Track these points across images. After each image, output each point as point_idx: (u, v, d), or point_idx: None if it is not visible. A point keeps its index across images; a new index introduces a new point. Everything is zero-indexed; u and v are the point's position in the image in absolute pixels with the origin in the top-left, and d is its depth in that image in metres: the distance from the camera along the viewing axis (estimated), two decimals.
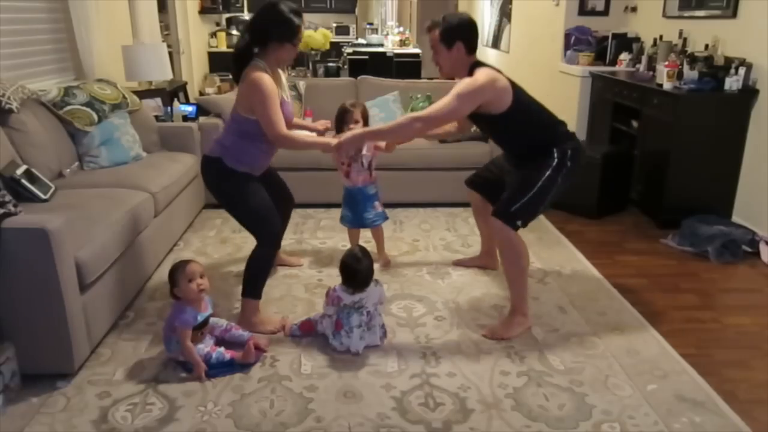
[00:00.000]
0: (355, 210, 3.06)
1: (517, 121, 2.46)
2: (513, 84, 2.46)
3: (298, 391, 2.14)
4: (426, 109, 2.43)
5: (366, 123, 2.96)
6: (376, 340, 2.42)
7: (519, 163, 2.59)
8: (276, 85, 2.45)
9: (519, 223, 2.44)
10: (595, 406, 2.07)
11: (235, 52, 2.52)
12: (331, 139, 2.56)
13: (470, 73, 2.43)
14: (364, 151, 2.94)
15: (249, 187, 2.51)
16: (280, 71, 2.57)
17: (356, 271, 2.37)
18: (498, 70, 2.48)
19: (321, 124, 2.89)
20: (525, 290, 2.57)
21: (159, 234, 3.10)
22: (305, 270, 3.16)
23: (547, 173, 2.44)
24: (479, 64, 2.49)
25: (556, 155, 2.45)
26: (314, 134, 2.73)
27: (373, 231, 3.16)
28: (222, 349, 2.29)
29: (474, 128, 2.92)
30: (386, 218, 3.14)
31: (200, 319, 2.25)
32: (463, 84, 2.39)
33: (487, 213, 2.63)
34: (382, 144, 2.96)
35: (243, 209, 2.52)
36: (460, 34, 2.46)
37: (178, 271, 2.25)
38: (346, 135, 2.52)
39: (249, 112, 2.44)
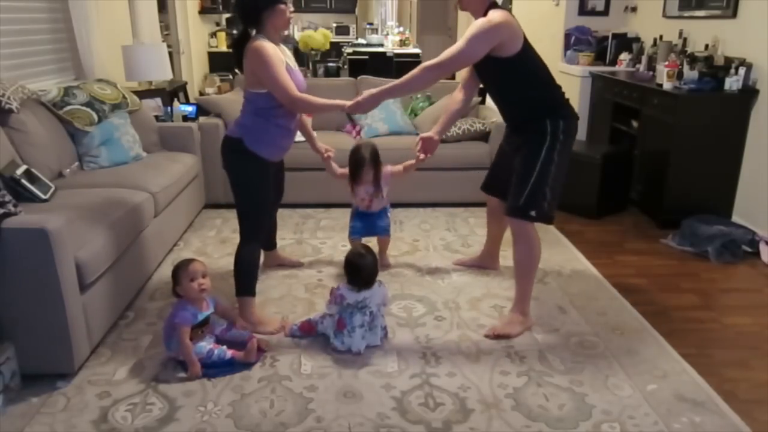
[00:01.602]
0: (364, 220, 3.09)
1: (521, 70, 2.43)
2: (524, 34, 2.45)
3: (298, 391, 2.14)
4: (439, 56, 2.38)
5: (378, 166, 2.95)
6: (376, 340, 2.42)
7: (514, 134, 2.59)
8: (279, 52, 2.42)
9: (533, 213, 2.43)
10: (595, 406, 2.07)
11: (234, 40, 2.51)
12: (345, 101, 2.50)
13: (485, 14, 2.40)
14: (384, 188, 3.01)
15: (263, 179, 2.51)
16: (282, 47, 2.52)
17: (361, 266, 2.38)
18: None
19: (327, 152, 2.94)
20: (530, 288, 2.57)
21: (159, 234, 3.10)
22: (305, 270, 3.16)
23: (542, 155, 2.42)
24: (496, 5, 2.45)
25: (548, 129, 2.42)
26: (330, 100, 2.59)
27: (379, 239, 3.17)
28: (224, 347, 2.29)
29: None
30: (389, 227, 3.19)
31: (200, 318, 2.26)
32: (477, 25, 2.34)
33: (502, 215, 2.64)
34: (399, 169, 3.02)
35: (247, 197, 2.52)
36: None
37: (180, 269, 2.27)
38: (363, 95, 2.48)
39: (258, 85, 2.39)
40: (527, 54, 2.42)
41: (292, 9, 2.47)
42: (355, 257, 2.42)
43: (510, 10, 2.71)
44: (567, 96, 2.58)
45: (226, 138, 2.53)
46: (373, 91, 2.49)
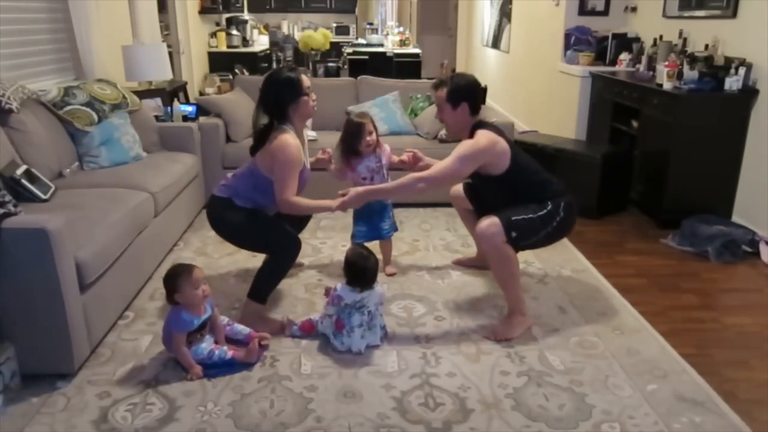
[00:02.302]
0: (371, 222, 2.99)
1: (513, 182, 2.53)
2: (511, 146, 2.53)
3: (298, 391, 2.14)
4: (429, 170, 2.48)
5: (376, 129, 2.92)
6: (376, 339, 2.42)
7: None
8: (301, 150, 2.53)
9: (513, 235, 2.42)
10: (595, 406, 2.07)
11: (259, 132, 2.57)
12: (332, 202, 2.53)
13: (471, 134, 2.50)
14: (383, 161, 2.93)
15: (254, 214, 2.55)
16: (304, 134, 2.66)
17: (365, 268, 2.38)
18: (500, 131, 2.54)
19: (324, 154, 2.89)
20: (518, 291, 2.55)
21: (159, 234, 3.10)
22: (305, 270, 3.16)
23: (541, 213, 2.49)
24: (481, 124, 2.55)
25: (549, 204, 2.51)
26: (319, 201, 2.63)
27: (383, 243, 3.10)
28: (225, 347, 2.29)
29: None
30: (396, 229, 3.12)
31: (197, 323, 2.25)
32: (464, 146, 2.46)
33: (475, 220, 2.62)
34: (394, 159, 2.97)
35: (252, 235, 2.56)
36: (466, 95, 2.53)
37: (181, 277, 2.22)
38: (350, 194, 2.50)
39: (270, 172, 2.51)
40: (516, 169, 2.51)
41: (314, 97, 2.58)
42: (359, 258, 2.40)
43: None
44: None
45: (215, 198, 2.60)
46: (360, 189, 2.57)
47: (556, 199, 2.52)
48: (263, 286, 2.55)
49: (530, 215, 2.47)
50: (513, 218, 2.44)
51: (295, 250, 2.54)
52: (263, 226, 2.55)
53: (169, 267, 2.35)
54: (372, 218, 3.00)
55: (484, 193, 2.74)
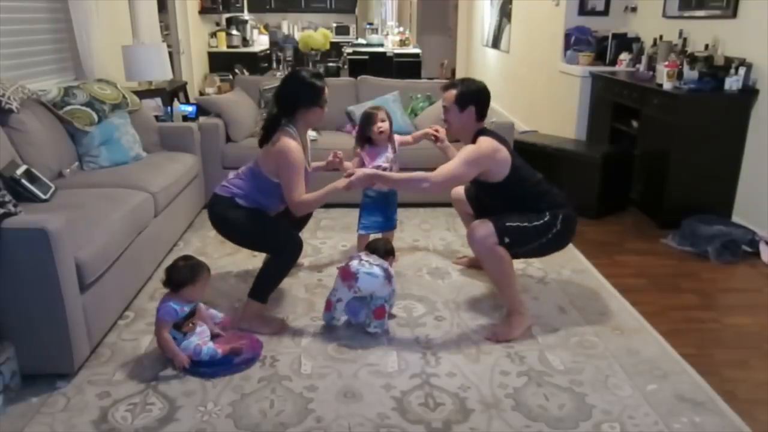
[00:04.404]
0: (386, 213, 3.12)
1: (511, 191, 2.54)
2: (512, 155, 2.54)
3: (298, 391, 2.14)
4: (436, 171, 2.48)
5: (391, 124, 3.01)
6: (361, 318, 2.50)
7: None
8: (303, 152, 2.54)
9: (507, 240, 2.43)
10: (595, 406, 2.07)
11: (266, 123, 2.59)
12: (338, 183, 2.53)
13: (474, 140, 2.52)
14: (396, 150, 3.04)
15: (256, 214, 2.55)
16: (307, 139, 2.67)
17: (376, 246, 2.63)
18: (502, 140, 2.55)
19: (335, 157, 2.84)
20: (514, 291, 2.55)
21: (159, 234, 3.10)
22: (305, 270, 3.16)
23: (537, 223, 2.49)
24: (484, 131, 2.57)
25: (547, 215, 2.51)
26: (325, 187, 2.61)
27: (386, 234, 3.17)
28: (211, 345, 2.28)
29: None
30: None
31: (188, 310, 2.26)
32: (468, 150, 2.48)
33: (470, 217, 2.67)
34: (409, 138, 3.12)
35: (254, 234, 2.55)
36: (475, 99, 2.55)
37: (203, 274, 2.29)
38: (356, 175, 2.51)
39: (273, 175, 2.53)
40: (516, 177, 2.53)
41: (326, 111, 2.61)
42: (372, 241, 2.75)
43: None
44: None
45: (216, 197, 2.59)
46: (367, 170, 2.60)
47: (555, 211, 2.53)
48: (264, 286, 2.54)
49: (525, 224, 2.47)
50: (507, 224, 2.45)
51: (297, 250, 2.54)
52: (266, 226, 2.55)
53: (178, 258, 2.33)
54: (387, 209, 3.10)
55: (483, 198, 2.75)
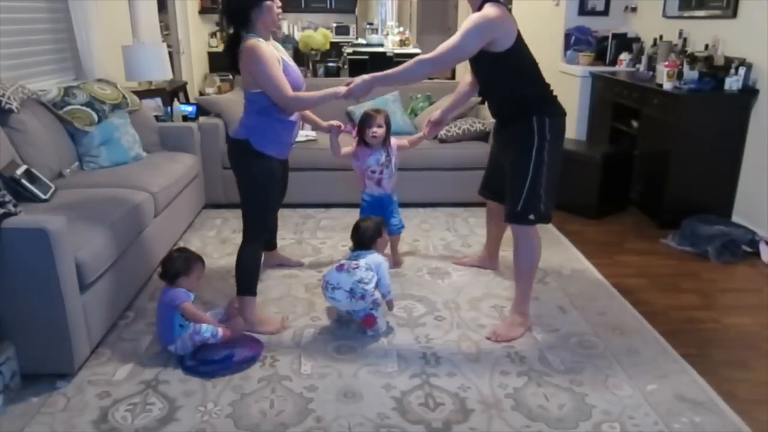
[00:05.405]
0: (383, 216, 3.03)
1: (511, 66, 2.43)
2: (518, 30, 2.45)
3: (298, 391, 2.14)
4: (434, 50, 2.37)
5: (389, 129, 3.00)
6: (356, 306, 2.47)
7: (502, 129, 2.61)
8: (271, 48, 2.42)
9: (531, 217, 2.43)
10: (595, 406, 2.07)
11: (226, 43, 2.50)
12: (338, 88, 2.47)
13: (480, 8, 2.40)
14: (393, 157, 3.02)
15: (271, 178, 2.51)
16: (275, 42, 2.53)
17: (357, 227, 2.64)
18: (508, 10, 2.45)
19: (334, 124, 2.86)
20: (530, 288, 2.57)
21: (159, 234, 3.09)
22: (305, 270, 3.16)
23: (532, 158, 2.41)
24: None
25: (535, 128, 2.40)
26: (324, 90, 2.56)
27: (391, 239, 3.13)
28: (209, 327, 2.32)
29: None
30: (403, 226, 3.21)
31: (192, 297, 2.32)
32: (472, 19, 2.34)
33: (502, 217, 2.62)
34: (405, 143, 3.09)
35: (255, 197, 2.53)
36: None
37: (197, 263, 2.36)
38: (356, 81, 2.45)
39: (256, 85, 2.39)
40: (519, 50, 2.42)
41: (279, 5, 2.45)
42: (360, 220, 2.69)
43: (510, 10, 2.70)
44: (556, 93, 2.61)
45: (232, 141, 2.54)
46: (366, 76, 2.46)
47: (541, 113, 2.43)
48: (247, 278, 2.54)
49: (525, 185, 2.41)
50: (517, 209, 2.43)
51: (260, 242, 2.60)
52: (264, 196, 2.52)
53: (174, 249, 2.39)
54: (383, 212, 3.06)
55: (482, 75, 2.64)
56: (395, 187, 3.14)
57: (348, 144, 3.06)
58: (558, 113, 2.50)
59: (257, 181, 2.49)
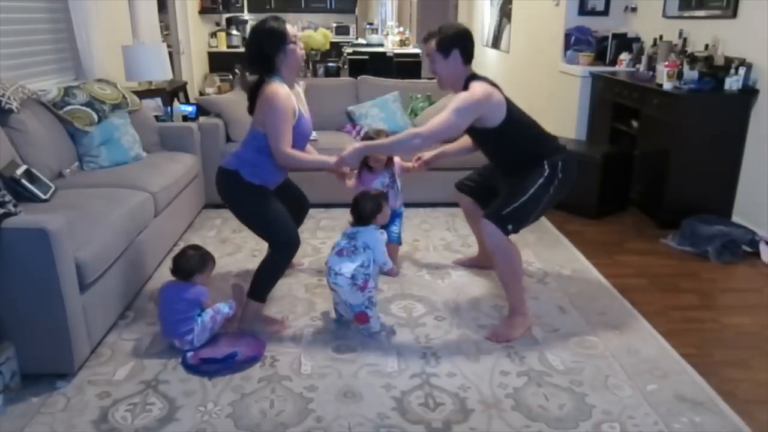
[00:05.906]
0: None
1: (509, 135, 2.50)
2: (506, 98, 2.50)
3: (298, 391, 2.14)
4: (425, 126, 2.44)
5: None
6: (358, 299, 2.45)
7: (510, 172, 2.61)
8: (293, 99, 2.48)
9: (510, 227, 2.44)
10: (595, 406, 2.07)
11: (250, 87, 2.53)
12: (329, 158, 2.53)
13: (466, 87, 2.47)
14: (397, 178, 3.04)
15: (265, 199, 2.53)
16: (297, 87, 2.60)
17: (356, 201, 2.55)
18: (493, 84, 2.51)
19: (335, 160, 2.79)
20: (521, 291, 2.56)
21: (159, 234, 3.10)
22: (305, 270, 3.16)
23: (539, 182, 2.47)
24: (475, 77, 2.52)
25: (546, 167, 2.48)
26: (317, 156, 2.67)
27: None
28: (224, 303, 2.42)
29: None
30: (401, 243, 3.22)
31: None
32: (459, 98, 2.42)
33: (479, 216, 2.62)
34: (410, 164, 3.03)
35: (259, 221, 2.54)
36: (456, 42, 2.49)
37: (211, 263, 2.45)
38: (348, 150, 2.49)
39: (264, 126, 2.47)
40: (512, 121, 2.48)
41: (302, 46, 2.52)
42: (359, 194, 2.59)
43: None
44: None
45: (222, 171, 2.57)
46: (358, 145, 2.56)
47: (553, 159, 2.49)
48: (262, 285, 2.54)
49: (522, 198, 2.44)
50: (504, 212, 2.44)
51: (294, 246, 2.53)
52: (268, 211, 2.52)
53: (169, 267, 2.41)
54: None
55: (483, 147, 2.70)
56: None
57: (347, 143, 3.05)
58: (568, 157, 2.56)
59: (253, 208, 2.52)
